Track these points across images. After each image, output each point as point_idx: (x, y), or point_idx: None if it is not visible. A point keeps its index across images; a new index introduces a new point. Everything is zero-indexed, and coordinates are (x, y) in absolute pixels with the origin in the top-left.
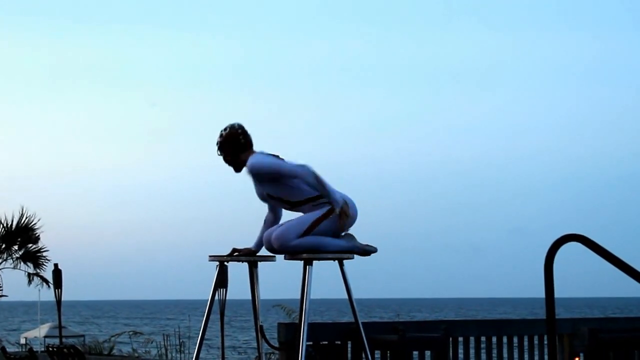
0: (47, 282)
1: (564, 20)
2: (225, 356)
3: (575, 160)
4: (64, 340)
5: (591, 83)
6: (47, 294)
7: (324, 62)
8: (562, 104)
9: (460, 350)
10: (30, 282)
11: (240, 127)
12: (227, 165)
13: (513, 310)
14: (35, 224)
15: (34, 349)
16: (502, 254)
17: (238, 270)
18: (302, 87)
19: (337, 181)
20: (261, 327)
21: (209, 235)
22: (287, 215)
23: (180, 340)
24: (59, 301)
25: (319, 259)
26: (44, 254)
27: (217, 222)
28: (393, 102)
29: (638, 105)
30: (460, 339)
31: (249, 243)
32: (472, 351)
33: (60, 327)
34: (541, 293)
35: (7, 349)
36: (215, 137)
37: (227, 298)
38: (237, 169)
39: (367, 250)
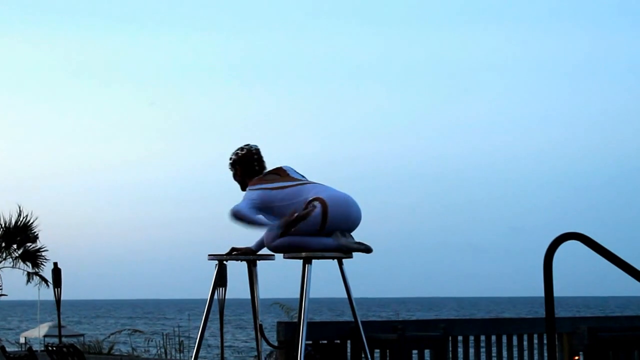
0: (46, 281)
1: (563, 17)
2: (225, 355)
3: (574, 159)
4: (63, 339)
5: (591, 81)
6: (47, 293)
7: (323, 62)
8: (561, 102)
9: (460, 349)
10: (29, 281)
11: (257, 152)
12: (234, 180)
13: (512, 309)
14: (32, 223)
15: (34, 348)
16: (501, 252)
17: (237, 269)
18: (301, 86)
19: (338, 180)
20: (260, 326)
21: (208, 234)
22: None
23: (180, 340)
24: (58, 300)
25: (318, 258)
26: (43, 253)
27: (216, 221)
28: (391, 101)
29: (636, 102)
30: (460, 337)
31: (248, 242)
32: (471, 350)
33: (59, 326)
34: (540, 292)
35: (7, 349)
36: (228, 151)
37: (226, 297)
38: (243, 189)
39: (351, 249)
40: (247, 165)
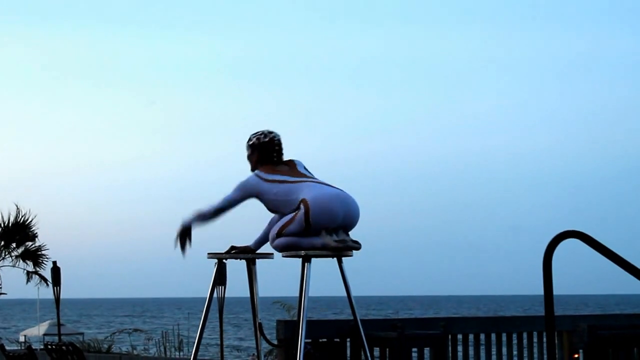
0: (45, 280)
1: (562, 16)
2: (224, 354)
3: (574, 157)
4: (63, 338)
5: (591, 80)
6: (47, 292)
7: (321, 61)
8: (560, 101)
9: (460, 348)
10: (29, 280)
11: (279, 143)
12: (247, 159)
13: (512, 307)
14: (31, 221)
15: (33, 347)
16: (501, 251)
17: (236, 268)
18: (300, 85)
19: (338, 180)
20: (260, 324)
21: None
22: None
23: (180, 338)
24: (57, 299)
25: (317, 256)
26: (43, 252)
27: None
28: (389, 100)
29: (636, 101)
30: (459, 336)
31: (248, 241)
32: (471, 348)
33: (59, 324)
34: (540, 290)
35: (6, 347)
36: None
37: (225, 295)
38: (252, 171)
39: (329, 247)
40: (265, 153)
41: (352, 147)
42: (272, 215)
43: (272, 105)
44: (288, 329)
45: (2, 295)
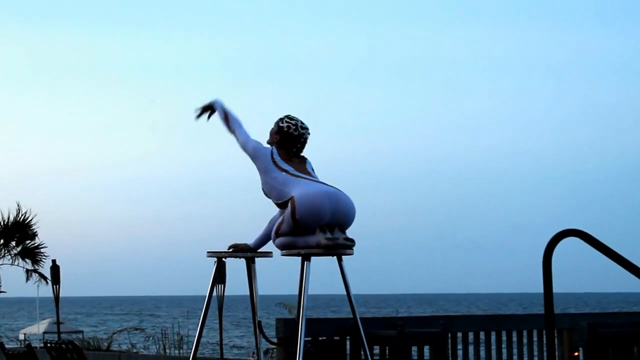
0: (45, 278)
1: (562, 16)
2: (223, 352)
3: (574, 156)
4: (62, 336)
5: (591, 80)
6: (46, 290)
7: (320, 60)
8: (560, 100)
9: (459, 346)
10: (28, 278)
11: (305, 140)
12: (269, 133)
13: (512, 306)
14: (31, 220)
15: (33, 345)
16: (501, 249)
17: (236, 267)
18: (300, 85)
19: (337, 178)
20: (259, 322)
21: (207, 232)
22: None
23: (179, 336)
24: (57, 297)
25: (316, 255)
26: (43, 250)
27: (215, 218)
28: (389, 99)
29: (636, 100)
30: (459, 334)
31: (247, 239)
32: (471, 346)
33: (58, 323)
34: (540, 288)
35: (6, 345)
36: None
37: (225, 294)
38: (268, 142)
39: (327, 245)
40: (289, 143)
41: (352, 147)
42: (272, 215)
43: (272, 105)
44: (288, 327)
45: (1, 294)
